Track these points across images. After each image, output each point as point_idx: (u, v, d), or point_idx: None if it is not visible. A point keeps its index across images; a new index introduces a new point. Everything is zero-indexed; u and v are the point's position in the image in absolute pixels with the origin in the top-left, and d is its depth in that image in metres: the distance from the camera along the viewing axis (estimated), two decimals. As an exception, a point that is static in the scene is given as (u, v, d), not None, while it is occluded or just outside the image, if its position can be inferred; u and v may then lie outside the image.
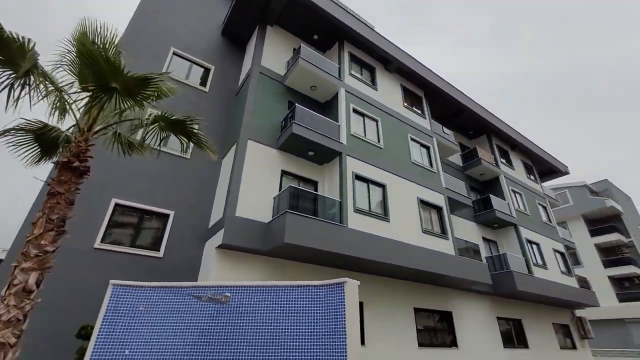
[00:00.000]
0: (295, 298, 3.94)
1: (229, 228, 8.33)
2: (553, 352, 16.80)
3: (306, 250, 8.53)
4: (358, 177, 10.87)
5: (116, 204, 8.55)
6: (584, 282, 20.22)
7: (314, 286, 4.01)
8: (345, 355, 3.42)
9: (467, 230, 16.03)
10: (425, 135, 14.87)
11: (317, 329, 3.71)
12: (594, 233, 30.95)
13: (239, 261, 8.64)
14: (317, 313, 3.80)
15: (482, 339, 13.52)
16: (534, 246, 17.76)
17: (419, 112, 15.68)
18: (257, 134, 10.28)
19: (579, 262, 30.96)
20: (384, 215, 10.88)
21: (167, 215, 9.18)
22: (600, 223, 31.73)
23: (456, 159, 18.59)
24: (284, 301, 3.94)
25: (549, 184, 31.77)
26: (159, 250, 8.69)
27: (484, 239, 16.88)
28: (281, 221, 8.33)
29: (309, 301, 3.89)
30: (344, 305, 3.68)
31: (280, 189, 9.85)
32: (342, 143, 10.94)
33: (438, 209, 13.14)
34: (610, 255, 30.37)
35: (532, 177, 22.27)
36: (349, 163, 10.77)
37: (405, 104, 15.15)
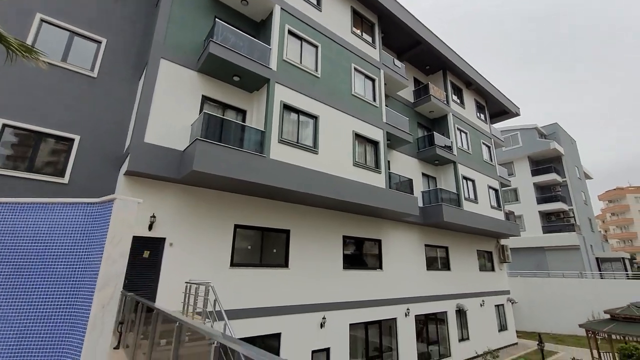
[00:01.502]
0: (61, 216, 3.89)
1: (136, 154, 7.93)
2: (473, 273, 19.15)
3: (222, 178, 8.43)
4: (287, 107, 10.43)
5: (4, 125, 7.74)
6: (511, 215, 22.32)
7: (86, 204, 3.94)
8: (97, 274, 3.51)
9: (408, 166, 16.56)
10: (371, 67, 14.21)
11: (78, 246, 3.74)
12: (535, 173, 33.38)
13: (151, 188, 8.44)
14: (82, 231, 3.81)
15: (407, 263, 14.99)
16: (470, 182, 18.90)
17: (369, 40, 14.71)
18: (172, 53, 9.26)
19: (517, 198, 33.87)
20: (313, 147, 10.79)
21: (72, 140, 8.52)
22: (542, 164, 34.08)
23: (409, 94, 18.29)
24: (47, 219, 3.88)
25: (503, 125, 32.85)
26: (63, 176, 8.24)
27: (424, 174, 17.63)
28: (193, 149, 8.01)
29: (78, 219, 3.86)
30: (109, 223, 3.67)
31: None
32: (271, 69, 10.19)
33: (374, 144, 13.24)
34: (545, 193, 33.37)
35: (482, 117, 22.70)
36: (277, 91, 10.20)
37: (354, 30, 14.07)
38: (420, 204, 16.07)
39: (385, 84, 15.22)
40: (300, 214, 11.47)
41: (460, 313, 17.14)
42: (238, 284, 9.39)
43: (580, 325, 15.38)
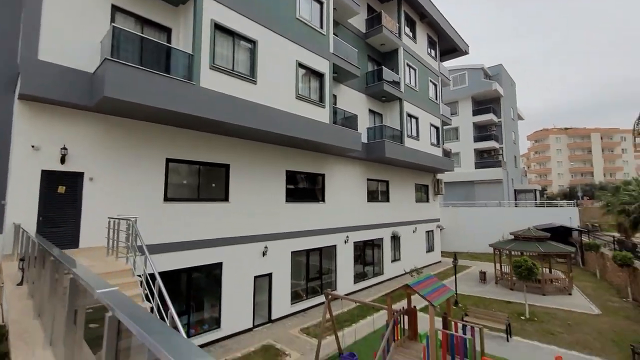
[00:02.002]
0: None
1: (29, 74, 6.70)
2: (409, 204, 21.01)
3: (143, 107, 7.61)
4: (220, 28, 9.26)
5: None
6: (448, 152, 24.03)
7: None
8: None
9: (355, 101, 16.41)
10: (319, -13, 12.86)
11: None
12: (475, 113, 35.44)
13: (59, 117, 7.38)
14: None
15: (349, 196, 15.83)
16: (413, 120, 19.54)
17: (318, -46, 13.03)
18: (64, -56, 7.35)
19: (458, 137, 36.24)
20: (251, 76, 10.03)
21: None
22: (483, 104, 36.09)
23: (360, 23, 17.24)
24: None
25: (452, 64, 33.26)
26: (-64, 99, 6.79)
27: (371, 111, 17.73)
28: (102, 71, 6.94)
29: None
30: None
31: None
32: (197, -23, 8.70)
33: (320, 76, 12.69)
34: (482, 132, 36.03)
35: (432, 54, 22.60)
36: (207, 7, 8.89)
37: (301, -61, 12.26)
38: (365, 140, 16.44)
39: (334, 8, 14.05)
40: (241, 148, 11.12)
41: (395, 239, 19.14)
42: (175, 218, 9.24)
43: (490, 245, 18.17)
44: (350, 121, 14.70)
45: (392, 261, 18.73)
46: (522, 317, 12.20)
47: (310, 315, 12.46)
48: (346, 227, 15.42)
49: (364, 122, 16.73)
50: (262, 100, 10.12)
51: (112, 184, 8.13)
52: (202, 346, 9.60)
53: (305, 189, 13.96)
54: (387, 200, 18.87)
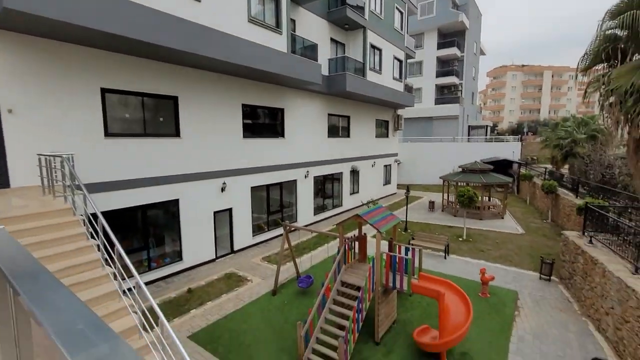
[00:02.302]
0: None
1: None
2: (369, 139, 21.41)
3: (60, 25, 6.43)
4: None
5: None
6: (409, 87, 24.00)
7: None
8: None
9: (316, 28, 15.21)
10: None
11: None
12: (440, 46, 34.81)
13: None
14: None
15: (309, 131, 15.67)
16: (377, 52, 18.82)
17: None
18: None
19: (421, 72, 35.96)
20: (193, -9, 8.71)
21: None
22: (448, 37, 35.35)
23: None
24: None
25: (422, -11, 31.24)
26: None
27: (333, 40, 16.67)
28: (-4, -27, 5.58)
29: None
30: None
31: None
32: None
33: (275, -5, 11.36)
34: (444, 67, 35.98)
35: (400, -24, 20.90)
36: None
37: None
38: (326, 72, 15.76)
39: None
40: (191, 78, 10.17)
41: (354, 173, 19.87)
42: (120, 154, 8.65)
43: (440, 177, 19.60)
44: (310, 51, 13.81)
45: (351, 194, 19.71)
46: (460, 239, 13.90)
47: (271, 245, 13.18)
48: (306, 162, 15.58)
49: (325, 53, 15.83)
50: (207, 22, 8.99)
51: (41, 117, 7.22)
52: (165, 277, 9.97)
53: (263, 124, 13.52)
54: (348, 135, 19.01)
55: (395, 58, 21.11)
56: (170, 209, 10.22)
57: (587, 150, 19.52)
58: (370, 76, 18.00)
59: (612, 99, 9.42)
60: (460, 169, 19.03)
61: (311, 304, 6.60)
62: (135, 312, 4.11)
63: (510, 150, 28.46)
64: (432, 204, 19.70)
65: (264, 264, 11.34)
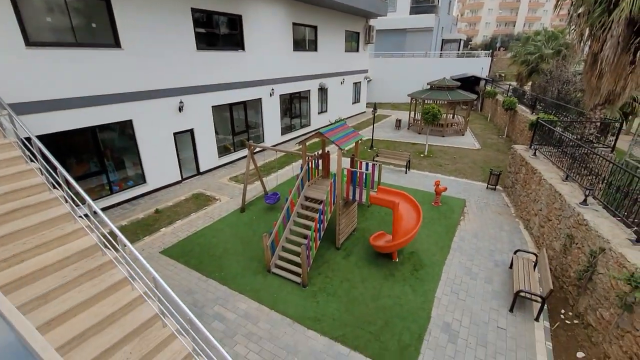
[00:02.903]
0: None
1: None
2: (338, 54, 20.10)
3: None
4: None
5: None
6: (383, -8, 21.74)
7: None
8: None
9: None
10: None
11: None
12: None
13: None
14: None
15: (273, 44, 14.30)
16: (348, -55, 16.30)
17: None
18: None
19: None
20: None
21: None
22: None
23: None
24: None
25: None
26: None
27: None
28: None
29: None
30: None
31: None
32: None
33: None
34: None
35: None
36: None
37: None
38: (289, -30, 13.70)
39: None
40: (120, -29, 8.45)
41: (322, 91, 19.14)
42: (49, 68, 7.57)
43: (408, 95, 19.44)
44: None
45: (319, 113, 19.33)
46: (422, 155, 14.60)
47: (239, 166, 13.17)
48: (271, 79, 14.63)
49: (287, -57, 13.47)
50: None
51: None
52: (130, 200, 9.93)
53: (220, 34, 12.07)
54: (315, 49, 17.67)
55: (369, -46, 18.51)
56: (126, 130, 9.59)
57: (551, 67, 19.76)
58: (340, -23, 15.92)
59: (581, 9, 9.17)
60: (429, 87, 18.87)
61: (277, 219, 6.99)
62: (95, 231, 4.14)
63: (479, 66, 28.18)
64: (398, 122, 19.96)
65: (231, 183, 11.49)
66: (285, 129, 16.76)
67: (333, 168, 8.58)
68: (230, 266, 7.00)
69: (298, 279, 6.41)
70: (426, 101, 17.61)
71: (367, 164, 7.83)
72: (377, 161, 12.10)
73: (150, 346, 3.53)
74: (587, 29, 9.11)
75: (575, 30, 9.72)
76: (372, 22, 22.99)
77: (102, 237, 4.07)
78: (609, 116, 10.95)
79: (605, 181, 6.62)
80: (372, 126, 16.43)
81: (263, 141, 15.11)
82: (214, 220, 8.94)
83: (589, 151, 7.36)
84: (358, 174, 6.99)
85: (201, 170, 12.20)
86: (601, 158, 6.84)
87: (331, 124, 8.02)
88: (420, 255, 7.37)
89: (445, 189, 9.86)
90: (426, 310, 5.77)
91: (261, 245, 7.48)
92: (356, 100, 24.13)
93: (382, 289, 6.30)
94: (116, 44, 8.75)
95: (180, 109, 10.77)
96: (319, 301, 5.98)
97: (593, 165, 7.31)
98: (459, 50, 36.45)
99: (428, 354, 4.94)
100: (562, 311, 5.80)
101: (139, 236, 8.06)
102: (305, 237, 6.97)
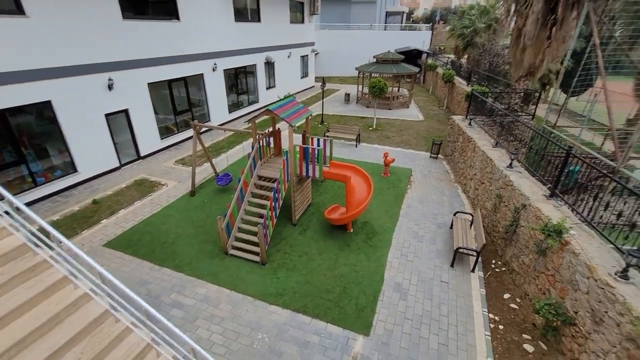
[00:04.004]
0: None
1: None
2: (283, 25, 19.32)
3: None
4: None
5: None
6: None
7: None
8: None
9: None
10: None
11: None
12: None
13: None
14: None
15: (211, 13, 13.23)
16: None
17: None
18: None
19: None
20: None
21: None
22: None
23: None
24: None
25: None
26: None
27: None
28: None
29: None
30: None
31: None
32: None
33: None
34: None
35: None
36: None
37: None
38: None
39: None
40: None
41: (269, 65, 18.45)
42: None
43: (355, 68, 19.57)
44: None
45: (268, 88, 18.72)
46: (370, 128, 15.06)
47: (185, 147, 12.42)
48: (212, 52, 13.68)
49: None
50: None
51: None
52: (60, 192, 8.93)
53: (148, 1, 10.82)
54: (259, 19, 16.76)
55: None
56: (45, 113, 8.41)
57: (484, 40, 21.16)
58: (280, -60, 14.99)
59: (509, -15, 9.83)
60: (375, 60, 19.15)
61: (231, 200, 6.83)
62: (20, 230, 3.70)
63: (421, 39, 29.14)
64: (347, 96, 20.16)
65: (178, 166, 10.85)
66: (233, 107, 16.03)
67: (285, 145, 8.50)
68: (184, 252, 6.77)
69: (257, 258, 6.45)
70: (373, 74, 17.92)
71: (318, 140, 7.89)
72: (328, 136, 12.23)
73: (103, 343, 3.36)
74: (514, 4, 9.85)
75: (503, 5, 10.46)
76: (316, -9, 22.28)
77: (31, 235, 3.65)
78: (531, 87, 12.21)
79: (527, 146, 7.50)
80: (321, 101, 16.41)
81: (209, 120, 14.33)
82: (162, 206, 8.46)
83: (513, 119, 8.22)
84: (310, 150, 7.03)
85: (142, 155, 11.30)
86: (523, 125, 7.68)
87: (280, 100, 7.85)
88: (373, 224, 7.81)
89: (393, 160, 10.38)
90: (379, 274, 6.22)
91: (216, 228, 7.31)
92: (304, 74, 23.73)
93: (339, 259, 6.62)
94: (18, 9, 7.42)
95: (110, 87, 9.68)
96: (279, 277, 6.12)
97: (517, 132, 8.20)
98: (402, 23, 37.16)
99: (383, 312, 5.40)
100: (493, 261, 6.66)
101: (77, 230, 7.36)
102: (261, 216, 6.95)
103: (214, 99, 14.36)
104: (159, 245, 6.98)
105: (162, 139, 12.01)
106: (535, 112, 11.56)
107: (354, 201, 7.21)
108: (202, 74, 13.45)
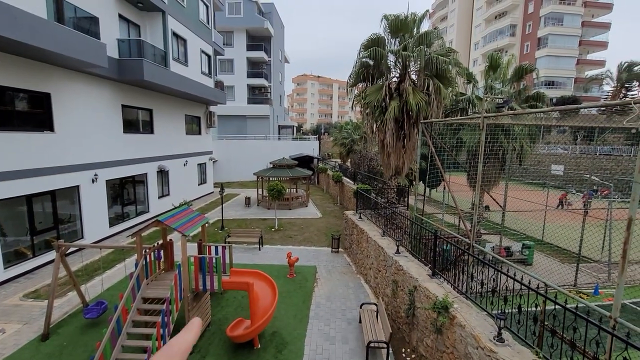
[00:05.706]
0: None
1: None
2: (179, 136, 19.69)
3: None
4: None
5: None
6: (220, 84, 23.80)
7: None
8: None
9: (96, -2, 12.37)
10: None
11: None
12: (249, 48, 36.33)
13: None
14: None
15: (95, 125, 12.67)
16: (181, 41, 17.49)
17: None
18: None
19: (232, 70, 36.32)
20: None
21: None
22: (256, 40, 37.39)
23: None
24: None
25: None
26: None
27: (123, 17, 14.09)
28: None
29: None
30: None
31: None
32: None
33: (20, -62, 8.38)
34: (255, 69, 37.90)
35: (203, -33, 20.17)
36: None
37: None
38: (116, 55, 13.18)
39: None
40: None
41: (163, 173, 17.82)
42: None
43: (254, 173, 20.60)
44: (88, 24, 11.13)
45: (160, 197, 17.61)
46: (273, 229, 15.18)
47: (42, 274, 9.92)
48: (93, 162, 12.59)
49: (113, 32, 13.17)
50: None
51: None
52: None
53: (17, 111, 9.83)
54: (152, 131, 16.77)
55: (203, 52, 20.32)
56: None
57: (360, 148, 25.74)
58: (175, 67, 16.54)
59: (368, 110, 12.73)
60: (272, 165, 20.70)
61: (103, 337, 5.41)
62: None
63: (311, 147, 33.48)
64: (248, 200, 20.48)
65: (27, 302, 8.37)
66: (116, 219, 14.21)
67: (178, 257, 7.70)
68: None
69: (136, 413, 4.94)
70: (270, 178, 19.06)
71: (216, 247, 7.47)
72: (228, 242, 11.72)
73: None
74: (374, 124, 12.62)
75: (367, 123, 13.27)
76: (213, 108, 24.23)
77: None
78: (402, 183, 14.88)
79: (407, 233, 8.68)
80: (221, 206, 16.15)
81: (82, 237, 12.15)
82: (-9, 365, 6.08)
83: (392, 211, 9.61)
84: (207, 260, 6.53)
85: (-30, 292, 8.43)
86: (400, 215, 9.02)
87: (174, 209, 7.42)
88: (282, 332, 7.18)
89: (297, 259, 10.41)
90: (294, 395, 5.46)
91: (76, 382, 5.49)
92: (202, 181, 23.56)
93: (246, 386, 5.63)
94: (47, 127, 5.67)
95: None
96: None
97: (398, 221, 9.52)
98: (293, 134, 42.54)
99: None
100: (403, 350, 6.71)
101: None
102: (144, 351, 5.63)
103: (91, 212, 12.55)
104: None
105: (6, 268, 9.39)
106: (408, 202, 13.84)
107: (259, 310, 6.65)
108: (77, 186, 11.92)
